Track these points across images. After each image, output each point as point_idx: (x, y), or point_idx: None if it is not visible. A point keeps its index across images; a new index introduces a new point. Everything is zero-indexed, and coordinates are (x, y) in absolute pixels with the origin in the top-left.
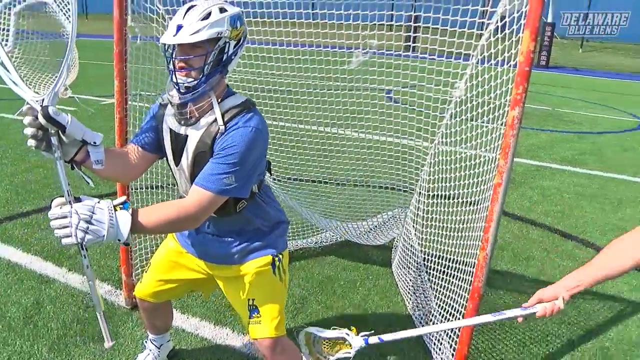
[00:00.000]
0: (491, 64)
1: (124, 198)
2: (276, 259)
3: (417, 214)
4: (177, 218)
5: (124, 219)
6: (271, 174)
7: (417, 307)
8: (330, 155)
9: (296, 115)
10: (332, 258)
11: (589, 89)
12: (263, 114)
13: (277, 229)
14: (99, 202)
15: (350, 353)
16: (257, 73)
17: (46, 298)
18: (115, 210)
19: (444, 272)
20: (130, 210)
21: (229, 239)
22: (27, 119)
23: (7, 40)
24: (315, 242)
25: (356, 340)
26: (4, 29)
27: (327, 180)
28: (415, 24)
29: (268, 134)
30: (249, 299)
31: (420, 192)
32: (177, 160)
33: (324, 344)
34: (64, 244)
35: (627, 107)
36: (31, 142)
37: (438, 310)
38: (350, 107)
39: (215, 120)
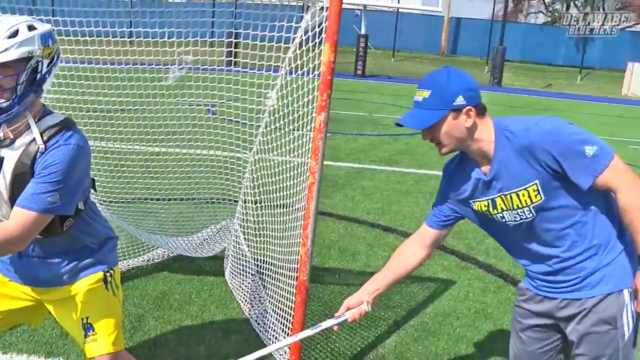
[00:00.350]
0: (298, 74)
1: None
2: (108, 274)
3: (246, 219)
4: (3, 241)
5: None
6: (96, 191)
7: (253, 309)
8: (154, 172)
9: (117, 134)
10: (165, 274)
11: (401, 95)
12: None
13: (106, 245)
14: None
15: None
16: (75, 92)
17: None
18: None
19: (275, 272)
20: None
21: (57, 259)
22: None
23: None
24: (148, 260)
25: None
26: None
27: (153, 198)
28: (236, 40)
29: (90, 151)
30: (82, 318)
31: (245, 200)
32: None
33: None
34: None
35: None
36: None
37: (273, 309)
38: (171, 123)
39: (34, 140)
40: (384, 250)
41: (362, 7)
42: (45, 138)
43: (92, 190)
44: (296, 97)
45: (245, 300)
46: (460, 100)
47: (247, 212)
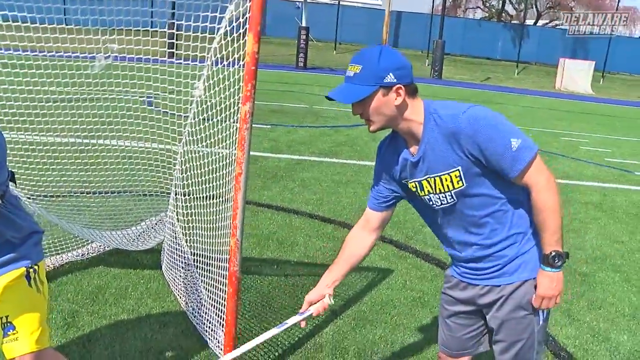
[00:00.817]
0: (224, 65)
1: None
2: (31, 270)
3: (178, 212)
4: None
5: None
6: (16, 185)
7: (190, 302)
8: (86, 165)
9: (49, 124)
10: (101, 268)
11: None
12: (7, 126)
13: (29, 239)
14: None
15: None
16: (1, 81)
17: None
18: None
19: (208, 264)
20: None
21: None
22: None
23: None
24: (82, 254)
25: None
26: None
27: (85, 192)
28: (171, 30)
29: (3, 144)
30: (1, 317)
31: (176, 192)
32: None
33: None
34: None
35: None
36: None
37: (209, 302)
38: (106, 113)
39: None
40: (322, 240)
41: (302, 0)
42: None
43: (11, 184)
44: (223, 88)
45: (182, 293)
46: (390, 78)
47: (177, 205)
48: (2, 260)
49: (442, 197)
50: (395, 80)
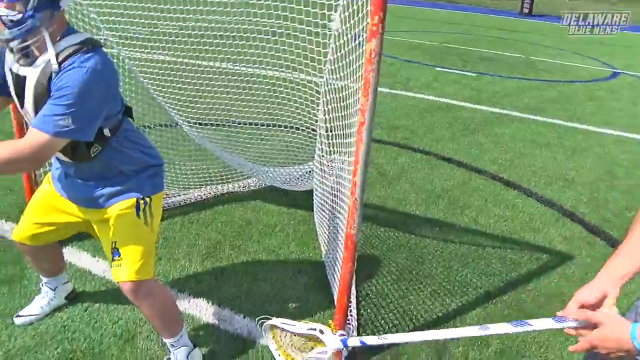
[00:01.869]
0: None
1: None
2: (141, 201)
3: (323, 150)
4: (10, 159)
5: None
6: (133, 119)
7: (328, 252)
8: (239, 95)
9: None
10: (256, 202)
11: (569, 40)
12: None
13: (144, 172)
14: None
15: (325, 354)
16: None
17: None
18: None
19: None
20: None
21: (92, 182)
22: None
23: None
24: (243, 187)
25: (332, 341)
26: None
27: (237, 122)
28: None
29: (113, 76)
30: (112, 242)
31: (323, 129)
32: (21, 103)
33: (295, 339)
34: None
35: (605, 57)
36: None
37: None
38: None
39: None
40: (499, 207)
41: None
42: (60, 59)
43: (127, 117)
44: (359, 19)
45: (324, 241)
46: None
47: (322, 142)
48: (116, 190)
49: None
50: None
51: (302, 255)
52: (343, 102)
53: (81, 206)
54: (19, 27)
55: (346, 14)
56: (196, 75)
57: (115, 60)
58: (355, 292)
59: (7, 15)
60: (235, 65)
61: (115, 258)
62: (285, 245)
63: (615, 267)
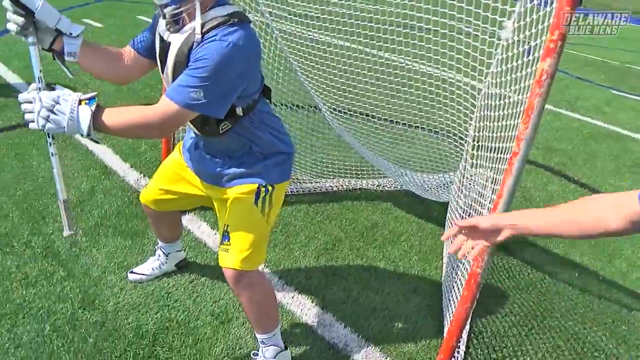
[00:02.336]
0: (539, 2)
1: (93, 94)
2: (263, 189)
3: (468, 161)
4: (138, 124)
5: (84, 114)
6: (270, 101)
7: (448, 277)
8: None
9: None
10: (387, 205)
11: None
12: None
13: (272, 158)
14: (67, 94)
15: None
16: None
17: (101, 188)
18: (80, 104)
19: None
20: (93, 107)
21: (219, 159)
22: (5, 2)
23: None
24: (377, 185)
25: None
26: None
27: (385, 119)
28: None
29: (254, 54)
30: (224, 225)
31: (468, 142)
32: (163, 68)
33: None
34: (30, 127)
35: None
36: (10, 26)
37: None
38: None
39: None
40: None
41: None
42: (205, 29)
43: (264, 98)
44: (535, 33)
45: (447, 264)
46: None
47: (467, 153)
48: (240, 172)
49: None
50: None
51: (422, 272)
52: (497, 111)
53: (205, 181)
54: None
55: (521, 22)
56: (349, 61)
57: (267, 37)
58: (468, 327)
59: None
60: (394, 56)
61: (224, 241)
62: (407, 257)
63: (525, 215)
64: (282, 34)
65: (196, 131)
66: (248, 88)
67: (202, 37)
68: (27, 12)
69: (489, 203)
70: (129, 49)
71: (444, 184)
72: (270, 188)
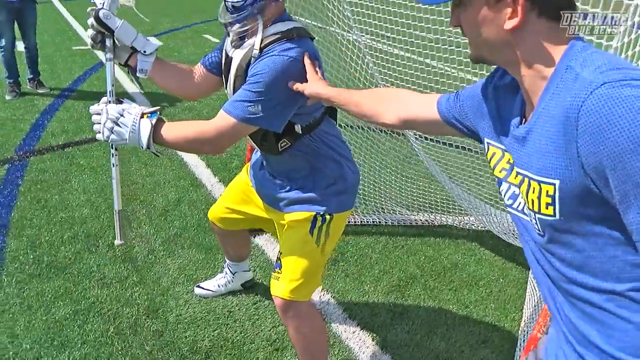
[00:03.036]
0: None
1: (156, 108)
2: (320, 217)
3: None
4: (195, 138)
5: (145, 128)
6: (336, 121)
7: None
8: None
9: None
10: (471, 245)
11: None
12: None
13: (333, 185)
14: (132, 107)
15: None
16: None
17: (187, 199)
18: (142, 117)
19: None
20: (154, 120)
21: (279, 181)
22: (89, 20)
23: None
24: (464, 223)
25: None
26: None
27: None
28: None
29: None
30: (280, 251)
31: None
32: (226, 84)
33: None
34: (97, 138)
35: None
36: (89, 42)
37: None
38: None
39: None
40: None
41: None
42: (264, 44)
43: (329, 119)
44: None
45: (524, 318)
46: None
47: None
48: (298, 198)
49: (527, 217)
50: None
51: (497, 322)
52: None
53: (265, 202)
54: (239, 13)
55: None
56: (440, 79)
57: (358, 62)
58: None
59: (230, 1)
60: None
61: (276, 269)
62: (483, 304)
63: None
64: (374, 57)
65: (257, 147)
66: (307, 105)
67: (261, 52)
68: (107, 30)
69: None
70: (200, 66)
71: None
72: (327, 217)
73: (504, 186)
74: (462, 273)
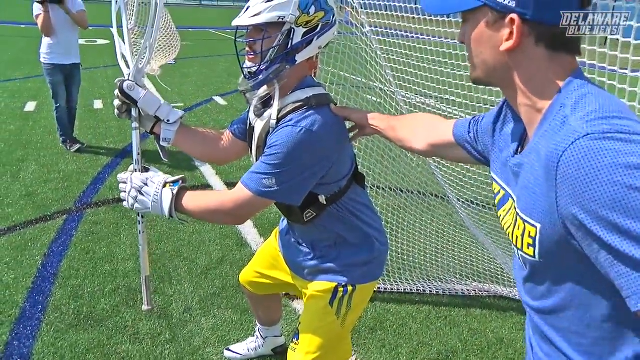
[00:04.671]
0: None
1: (179, 177)
2: (341, 289)
3: None
4: (215, 209)
5: (167, 197)
6: (364, 188)
7: None
8: None
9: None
10: (520, 319)
11: None
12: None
13: (358, 255)
14: (157, 176)
15: None
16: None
17: (230, 259)
18: (165, 186)
19: None
20: (175, 190)
21: (305, 249)
22: (115, 91)
23: (131, 17)
24: (510, 293)
25: None
26: (131, 6)
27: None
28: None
29: (331, 139)
30: (299, 322)
31: None
32: (251, 152)
33: None
34: (123, 205)
35: None
36: (116, 111)
37: None
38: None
39: None
40: None
41: None
42: (282, 114)
43: (356, 186)
44: None
45: None
46: None
47: None
48: (321, 267)
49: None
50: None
51: None
52: None
53: (291, 269)
54: (254, 80)
55: None
56: None
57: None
58: None
59: (247, 68)
60: None
61: (294, 340)
62: None
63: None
64: (409, 110)
65: (284, 216)
66: (330, 175)
67: (278, 122)
68: (131, 101)
69: None
70: (227, 132)
71: None
72: (350, 288)
73: (501, 214)
74: (508, 349)
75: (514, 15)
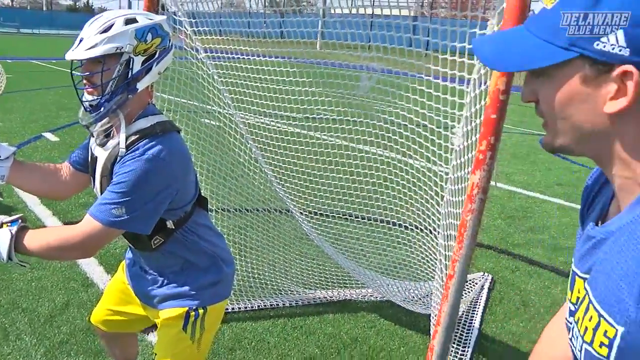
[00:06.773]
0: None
1: (17, 216)
2: (193, 313)
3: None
4: (59, 246)
5: (4, 238)
6: (207, 211)
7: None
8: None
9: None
10: (370, 317)
11: None
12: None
13: (206, 276)
14: None
15: None
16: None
17: (77, 301)
18: (2, 227)
19: None
20: (14, 229)
21: (152, 277)
22: None
23: None
24: (362, 296)
25: None
26: None
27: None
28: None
29: (179, 165)
30: (154, 352)
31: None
32: (94, 184)
33: None
34: None
35: None
36: None
37: None
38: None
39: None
40: None
41: None
42: (128, 142)
43: (200, 210)
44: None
45: None
46: (613, 39)
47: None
48: (170, 293)
49: (579, 336)
50: (624, 47)
51: None
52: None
53: (141, 301)
54: (96, 112)
55: (468, 128)
56: (321, 157)
57: (236, 136)
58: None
59: (87, 101)
60: (358, 146)
61: None
62: None
63: None
64: (256, 138)
65: (130, 245)
66: (177, 200)
67: (127, 150)
68: None
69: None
70: (67, 164)
71: (429, 293)
72: (201, 311)
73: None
74: (362, 347)
75: (628, 67)
